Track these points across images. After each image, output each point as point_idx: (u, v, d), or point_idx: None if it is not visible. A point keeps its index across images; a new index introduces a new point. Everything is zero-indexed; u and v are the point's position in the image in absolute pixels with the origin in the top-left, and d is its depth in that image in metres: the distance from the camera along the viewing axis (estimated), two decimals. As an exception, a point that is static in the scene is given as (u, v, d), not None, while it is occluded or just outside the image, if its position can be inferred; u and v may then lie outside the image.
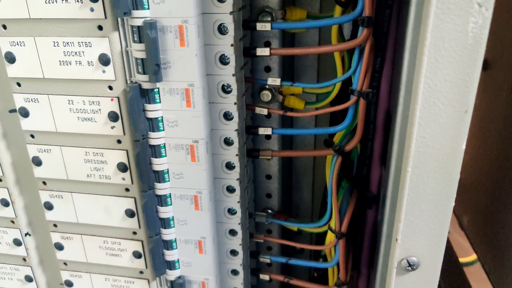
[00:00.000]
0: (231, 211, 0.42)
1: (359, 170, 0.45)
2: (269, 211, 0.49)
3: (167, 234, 0.41)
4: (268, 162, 0.48)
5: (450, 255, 0.69)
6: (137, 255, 0.42)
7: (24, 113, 0.38)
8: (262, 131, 0.41)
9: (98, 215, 0.41)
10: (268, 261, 0.47)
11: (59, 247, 0.44)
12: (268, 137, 0.46)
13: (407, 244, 0.33)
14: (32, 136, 0.39)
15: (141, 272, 0.43)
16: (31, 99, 0.38)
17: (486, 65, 0.65)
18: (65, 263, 0.45)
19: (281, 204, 0.51)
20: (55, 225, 0.43)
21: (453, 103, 0.28)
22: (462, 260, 0.81)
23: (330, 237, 0.43)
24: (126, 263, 0.43)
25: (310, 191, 0.54)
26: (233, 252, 0.44)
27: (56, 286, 0.48)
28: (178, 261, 0.42)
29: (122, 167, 0.38)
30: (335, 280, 0.45)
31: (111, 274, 0.44)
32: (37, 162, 0.40)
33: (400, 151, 0.33)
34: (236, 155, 0.39)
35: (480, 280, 0.71)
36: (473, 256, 0.88)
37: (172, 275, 0.43)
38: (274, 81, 0.39)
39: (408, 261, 0.33)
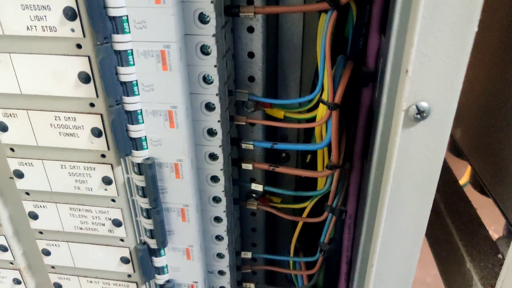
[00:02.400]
0: (207, 80, 0.35)
1: (354, 42, 0.39)
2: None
3: (132, 103, 0.34)
4: (250, 36, 0.41)
5: (444, 171, 0.65)
6: (96, 133, 0.36)
7: None
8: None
9: (45, 83, 0.34)
10: (251, 147, 0.41)
11: (3, 128, 0.37)
12: (250, 1, 0.40)
13: (417, 86, 0.27)
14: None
15: (103, 156, 0.37)
16: None
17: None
18: (11, 149, 0.38)
19: (266, 93, 0.45)
20: (-5, 99, 0.36)
21: None
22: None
23: (322, 111, 0.38)
24: (84, 144, 0.37)
25: (298, 88, 0.49)
26: (210, 132, 0.38)
27: (5, 179, 0.41)
28: (146, 139, 0.36)
29: (71, 14, 0.31)
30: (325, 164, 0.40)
31: (67, 160, 0.38)
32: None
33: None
34: (211, 2, 0.32)
35: (474, 193, 0.68)
36: (464, 179, 0.87)
37: (140, 156, 0.37)
38: None
39: (417, 107, 0.28)
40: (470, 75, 0.63)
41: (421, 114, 0.28)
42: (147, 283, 0.44)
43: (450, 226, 0.53)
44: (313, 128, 0.41)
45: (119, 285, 0.44)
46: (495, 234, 0.56)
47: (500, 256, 0.48)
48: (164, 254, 0.42)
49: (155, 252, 0.42)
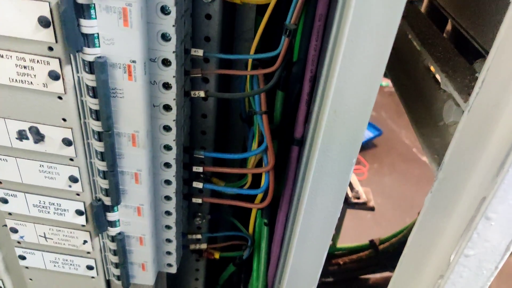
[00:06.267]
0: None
1: None
2: None
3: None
4: None
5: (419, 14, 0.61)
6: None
7: None
8: None
9: None
10: None
11: None
12: None
13: None
14: None
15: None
16: None
17: None
18: None
19: None
20: None
21: None
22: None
23: None
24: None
25: None
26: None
27: None
28: None
29: None
30: None
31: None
32: None
33: None
34: None
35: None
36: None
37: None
38: None
39: None
40: None
41: None
42: (71, 56, 0.36)
43: (426, 55, 0.48)
44: None
45: (38, 61, 0.36)
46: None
47: (477, 75, 0.44)
48: (95, 18, 0.34)
49: (84, 14, 0.33)
